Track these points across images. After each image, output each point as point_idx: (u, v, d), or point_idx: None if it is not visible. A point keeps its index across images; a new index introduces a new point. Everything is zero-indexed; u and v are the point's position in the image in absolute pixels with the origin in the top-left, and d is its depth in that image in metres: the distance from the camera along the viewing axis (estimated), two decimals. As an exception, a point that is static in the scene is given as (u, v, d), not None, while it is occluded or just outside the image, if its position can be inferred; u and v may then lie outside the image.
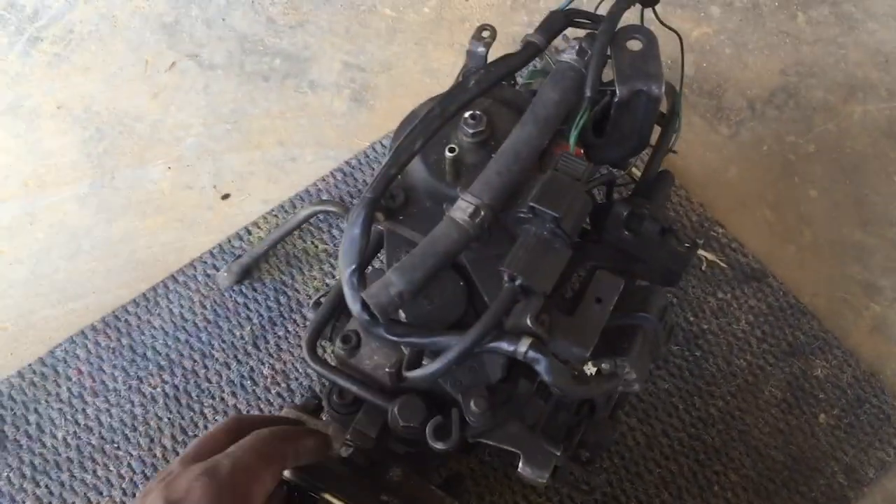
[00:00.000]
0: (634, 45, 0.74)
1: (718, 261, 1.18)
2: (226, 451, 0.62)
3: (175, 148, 1.20)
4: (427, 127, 0.68)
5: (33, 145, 1.19)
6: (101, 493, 0.98)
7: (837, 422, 1.08)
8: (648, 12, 0.83)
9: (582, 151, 0.72)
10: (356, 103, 1.26)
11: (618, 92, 0.72)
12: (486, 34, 0.78)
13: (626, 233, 0.77)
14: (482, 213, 0.64)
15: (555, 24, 0.76)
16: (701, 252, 1.17)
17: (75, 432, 1.01)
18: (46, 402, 1.03)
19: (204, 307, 1.08)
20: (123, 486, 0.98)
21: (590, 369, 0.67)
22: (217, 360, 1.05)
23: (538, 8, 1.36)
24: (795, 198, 1.25)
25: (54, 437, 1.01)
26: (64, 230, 1.13)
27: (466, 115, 0.70)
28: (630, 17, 0.80)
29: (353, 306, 0.63)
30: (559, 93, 0.71)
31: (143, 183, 1.17)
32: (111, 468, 0.99)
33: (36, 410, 1.02)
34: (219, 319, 1.08)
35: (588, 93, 0.71)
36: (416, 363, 0.70)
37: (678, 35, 0.86)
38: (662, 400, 1.07)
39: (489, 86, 0.71)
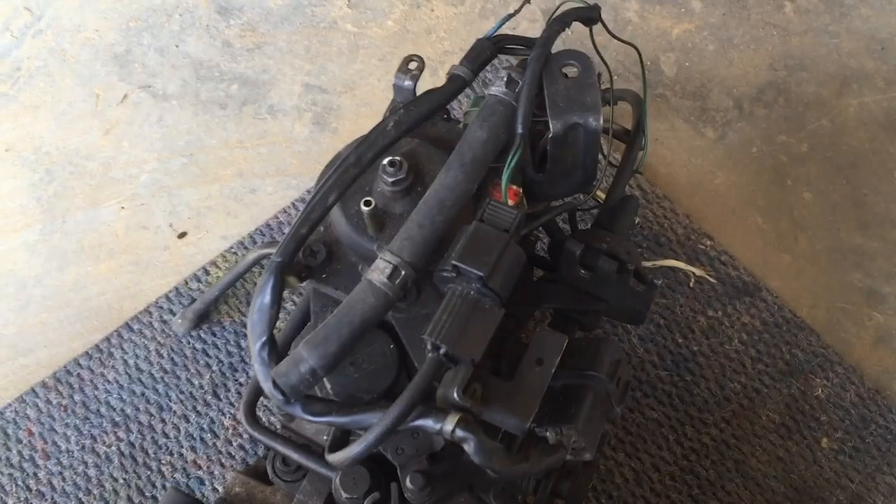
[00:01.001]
0: (570, 71, 0.66)
1: (707, 276, 1.10)
2: None
3: (128, 186, 1.14)
4: (341, 178, 0.61)
5: (-20, 192, 1.14)
6: None
7: (841, 446, 0.99)
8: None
9: (520, 191, 0.64)
10: (318, 127, 1.20)
11: (551, 127, 0.64)
12: (413, 66, 0.71)
13: (582, 271, 0.70)
14: (402, 272, 0.57)
15: (482, 52, 0.69)
16: (688, 267, 1.10)
17: (27, 499, 0.95)
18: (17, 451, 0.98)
19: (161, 356, 1.02)
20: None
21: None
22: (175, 412, 0.99)
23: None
24: (789, 202, 1.17)
25: None
26: (13, 281, 1.08)
27: (385, 161, 0.63)
28: (575, 37, 0.74)
29: (265, 384, 0.56)
30: (487, 130, 0.64)
31: (95, 225, 1.11)
32: None
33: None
34: (176, 368, 1.01)
35: (519, 129, 0.64)
36: (342, 441, 0.63)
37: (636, 49, 0.79)
38: (651, 431, 1.00)
39: (410, 127, 0.64)
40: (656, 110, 1.25)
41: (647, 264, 1.09)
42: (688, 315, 1.07)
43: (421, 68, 0.71)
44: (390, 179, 0.63)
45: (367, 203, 0.61)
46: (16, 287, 1.07)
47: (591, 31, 0.74)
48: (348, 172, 0.61)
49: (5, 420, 0.99)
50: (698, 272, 1.10)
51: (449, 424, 0.55)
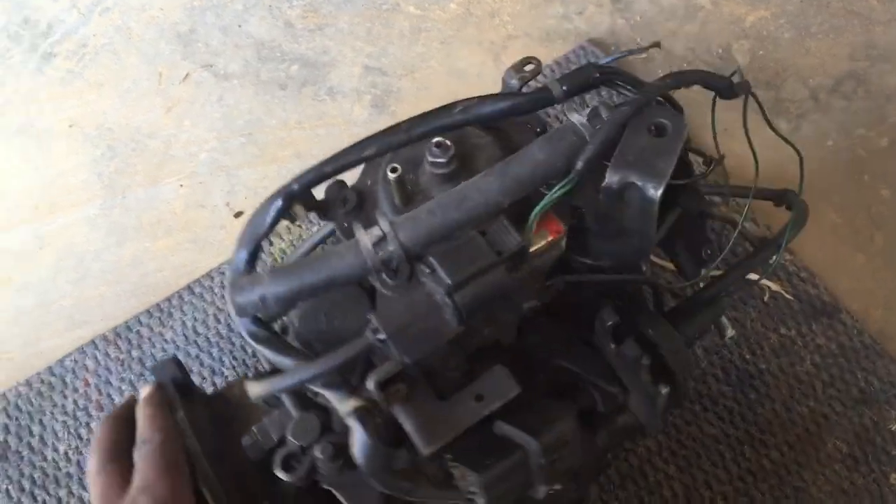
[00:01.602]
0: (659, 129, 0.60)
1: (784, 292, 1.04)
2: (136, 486, 0.62)
3: (188, 164, 1.14)
4: (385, 138, 0.59)
5: (45, 167, 1.15)
6: None
7: None
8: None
9: (563, 229, 0.60)
10: (377, 110, 1.18)
11: (607, 176, 0.58)
12: (529, 67, 0.66)
13: (612, 345, 0.65)
14: (390, 248, 0.54)
15: (584, 78, 0.64)
16: (764, 280, 1.04)
17: (77, 447, 0.96)
18: (52, 413, 0.98)
19: (218, 321, 1.03)
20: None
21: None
22: (226, 377, 0.99)
23: (574, -2, 1.26)
24: (865, 199, 1.11)
25: (56, 450, 0.97)
26: (73, 254, 1.09)
27: (433, 140, 0.61)
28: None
29: (227, 290, 0.56)
30: (547, 153, 0.59)
31: (154, 202, 1.12)
32: None
33: (40, 422, 0.98)
34: (232, 335, 1.01)
35: (579, 164, 0.58)
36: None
37: (798, 153, 0.77)
38: (707, 447, 0.95)
39: (477, 118, 0.61)
40: (728, 101, 1.19)
41: (719, 272, 1.04)
42: (759, 331, 1.01)
43: (536, 72, 0.67)
44: (431, 159, 0.61)
45: (394, 170, 0.59)
46: (75, 260, 1.08)
47: (714, 101, 0.70)
48: (395, 135, 0.59)
49: (64, 368, 1.01)
50: (774, 287, 1.04)
51: (346, 406, 0.53)
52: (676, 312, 0.71)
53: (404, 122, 0.61)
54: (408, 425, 0.55)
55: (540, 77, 0.73)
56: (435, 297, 0.55)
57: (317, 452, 0.59)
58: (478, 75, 1.21)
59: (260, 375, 0.58)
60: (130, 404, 0.69)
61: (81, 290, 1.07)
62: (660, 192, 0.56)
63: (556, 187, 0.58)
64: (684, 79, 0.63)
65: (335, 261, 0.55)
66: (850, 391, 0.98)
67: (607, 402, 0.67)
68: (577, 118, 0.60)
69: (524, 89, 0.67)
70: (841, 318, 1.02)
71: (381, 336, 0.54)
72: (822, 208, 1.11)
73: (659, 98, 0.62)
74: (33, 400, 1.00)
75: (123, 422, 0.67)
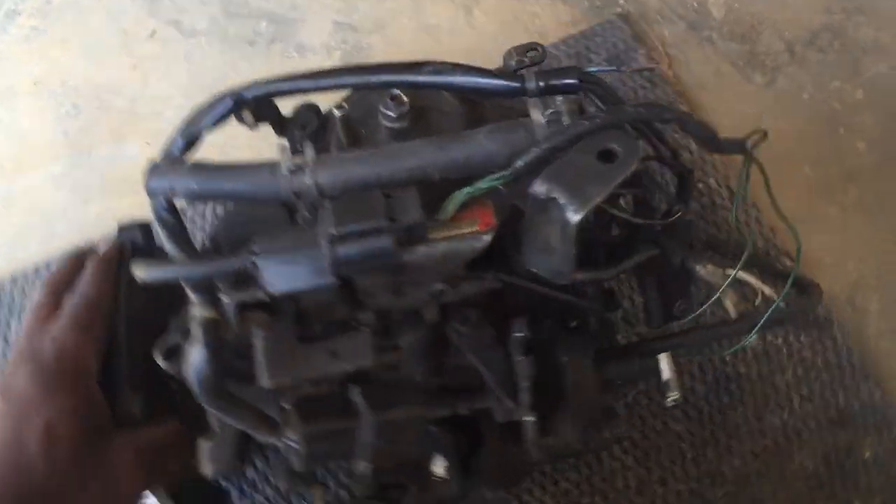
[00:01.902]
0: (606, 155, 0.55)
1: (776, 298, 1.02)
2: (50, 330, 0.64)
3: (154, 122, 1.13)
4: (345, 75, 0.57)
5: (9, 125, 1.13)
6: None
7: None
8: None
9: (494, 222, 0.57)
10: (347, 66, 1.17)
11: (534, 184, 0.54)
12: (531, 54, 0.62)
13: (519, 357, 0.63)
14: (306, 181, 0.53)
15: (565, 82, 0.59)
16: (759, 284, 1.01)
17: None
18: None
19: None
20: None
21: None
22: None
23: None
24: (840, 151, 1.09)
25: None
26: (39, 213, 1.08)
27: (390, 93, 0.60)
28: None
29: (146, 168, 0.57)
30: (492, 142, 0.56)
31: (119, 161, 1.10)
32: None
33: (19, 316, 1.00)
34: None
35: (518, 164, 0.55)
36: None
37: (791, 229, 0.68)
38: (669, 443, 0.92)
39: (441, 84, 0.58)
40: (702, 55, 1.18)
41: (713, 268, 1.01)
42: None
43: (538, 59, 0.63)
44: (383, 111, 0.59)
45: (340, 107, 0.59)
46: (41, 220, 1.07)
47: (746, 169, 0.64)
48: (357, 75, 0.57)
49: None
50: (768, 291, 1.01)
51: (197, 312, 0.54)
52: (612, 351, 0.69)
53: (373, 64, 0.59)
54: (258, 354, 0.55)
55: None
56: (320, 242, 0.54)
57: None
58: (450, 31, 1.19)
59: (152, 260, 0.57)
60: (90, 252, 0.70)
61: (48, 250, 1.05)
62: (578, 217, 0.52)
63: (486, 179, 0.55)
64: (663, 115, 0.57)
65: (251, 175, 0.54)
66: (828, 410, 0.95)
67: (501, 413, 0.65)
68: (537, 115, 0.57)
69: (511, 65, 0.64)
70: (832, 334, 0.98)
71: (254, 259, 0.53)
72: (796, 162, 1.10)
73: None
74: (14, 296, 1.01)
75: (78, 266, 0.69)
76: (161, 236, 0.56)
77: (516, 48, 0.66)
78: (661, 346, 0.68)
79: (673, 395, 0.69)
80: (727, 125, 1.13)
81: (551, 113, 0.56)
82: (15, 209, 1.08)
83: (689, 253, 0.67)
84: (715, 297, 0.68)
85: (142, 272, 0.54)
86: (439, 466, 0.64)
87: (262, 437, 0.59)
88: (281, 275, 0.53)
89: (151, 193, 0.56)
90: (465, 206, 0.56)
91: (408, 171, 0.55)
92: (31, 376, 0.62)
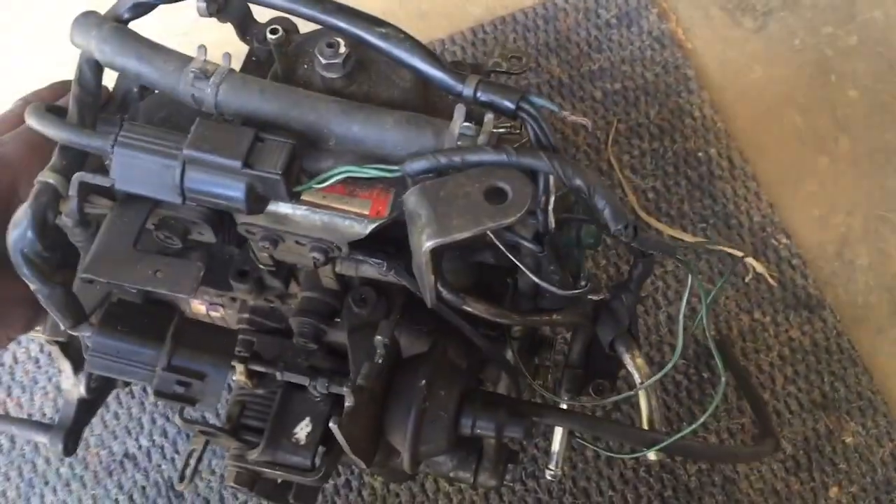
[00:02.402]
0: (495, 193, 0.49)
1: (769, 275, 0.95)
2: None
3: None
4: (301, 3, 0.54)
5: None
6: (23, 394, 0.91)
7: (851, 501, 0.86)
8: None
9: (384, 211, 0.54)
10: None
11: (408, 191, 0.51)
12: (511, 63, 0.64)
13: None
14: (205, 90, 0.52)
15: (503, 97, 0.52)
16: (751, 260, 0.95)
17: None
18: None
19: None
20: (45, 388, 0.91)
21: None
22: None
23: None
24: (831, 100, 1.02)
25: None
26: None
27: (328, 39, 0.55)
28: None
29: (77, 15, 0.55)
30: (399, 133, 0.52)
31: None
32: (29, 373, 0.91)
33: None
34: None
35: (406, 167, 0.51)
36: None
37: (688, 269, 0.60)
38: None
39: (387, 52, 0.54)
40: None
41: (707, 245, 0.97)
42: (731, 309, 0.94)
43: (517, 70, 0.63)
44: (318, 56, 0.55)
45: (274, 31, 0.56)
46: None
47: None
48: (309, 6, 0.54)
49: None
50: (759, 268, 0.95)
51: (44, 173, 0.53)
52: (485, 395, 0.65)
53: (334, 2, 0.55)
54: (91, 244, 0.54)
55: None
56: (181, 156, 0.50)
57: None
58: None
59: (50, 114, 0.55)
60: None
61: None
62: (429, 243, 0.47)
63: (373, 166, 0.52)
64: (574, 180, 0.50)
65: (159, 63, 0.52)
66: (812, 393, 0.90)
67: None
68: (459, 121, 0.52)
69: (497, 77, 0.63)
70: (822, 315, 0.93)
71: (112, 145, 0.51)
72: (785, 110, 1.04)
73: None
74: None
75: (60, 94, 0.64)
76: (71, 91, 0.55)
77: (504, 51, 0.64)
78: (545, 417, 0.63)
79: (551, 472, 0.66)
80: (715, 71, 1.07)
81: (468, 126, 0.51)
82: None
83: (620, 336, 0.61)
84: (630, 394, 0.63)
85: (31, 119, 0.53)
86: (302, 430, 0.62)
87: (62, 321, 0.57)
88: (132, 172, 0.51)
89: (74, 44, 0.55)
90: (368, 186, 0.54)
91: (302, 123, 0.52)
92: None
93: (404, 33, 0.55)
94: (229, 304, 0.68)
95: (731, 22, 1.08)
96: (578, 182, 0.49)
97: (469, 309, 0.56)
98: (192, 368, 0.57)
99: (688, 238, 0.97)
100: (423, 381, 0.59)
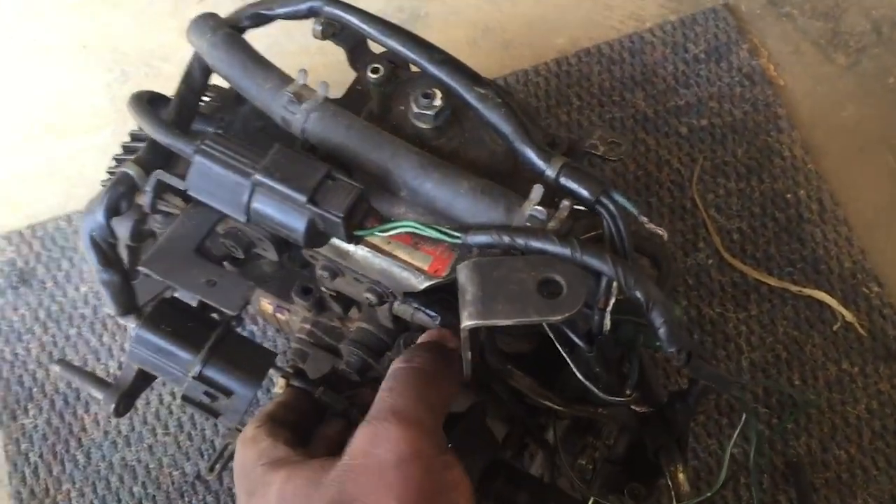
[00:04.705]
0: (549, 285, 0.47)
1: (858, 325, 0.91)
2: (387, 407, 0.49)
3: (201, 92, 1.09)
4: (406, 43, 0.55)
5: (57, 89, 1.10)
6: (98, 359, 0.93)
7: None
8: None
9: (440, 271, 0.53)
10: (402, 37, 1.11)
11: (461, 263, 0.49)
12: (610, 147, 0.62)
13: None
14: (295, 115, 0.54)
15: (584, 185, 0.51)
16: (840, 307, 0.91)
17: (97, 293, 0.95)
18: (82, 255, 0.96)
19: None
20: (122, 360, 0.93)
21: None
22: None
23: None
24: (928, 141, 1.00)
25: (77, 290, 0.97)
26: (83, 181, 1.05)
27: (426, 90, 0.55)
28: None
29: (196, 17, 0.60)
30: (472, 200, 0.52)
31: (164, 131, 1.07)
32: (117, 339, 0.94)
33: (70, 259, 0.98)
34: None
35: (470, 237, 0.51)
36: None
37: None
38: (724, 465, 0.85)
39: (479, 110, 0.54)
40: (781, 30, 1.09)
41: (793, 289, 0.93)
42: (818, 358, 0.90)
43: (610, 156, 0.63)
44: (413, 104, 0.56)
45: (375, 70, 0.57)
46: (85, 188, 1.05)
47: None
48: (418, 47, 0.55)
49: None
50: (849, 316, 0.91)
51: (127, 164, 0.57)
52: (511, 471, 0.61)
53: (440, 50, 0.55)
54: (158, 238, 0.57)
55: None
56: (252, 178, 0.51)
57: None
58: (512, 3, 1.12)
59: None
60: None
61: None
62: (467, 323, 0.46)
63: (438, 227, 0.51)
64: (644, 288, 0.47)
65: (260, 79, 0.55)
66: None
67: None
68: (533, 202, 0.51)
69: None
70: None
71: (195, 151, 0.52)
72: (879, 151, 0.99)
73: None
74: (69, 237, 0.99)
75: None
76: (177, 87, 0.58)
77: (603, 134, 0.62)
78: None
79: None
80: (806, 109, 1.04)
81: (541, 210, 0.50)
82: (58, 176, 1.06)
83: (665, 446, 0.59)
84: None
85: (131, 106, 0.57)
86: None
87: (111, 308, 0.60)
88: (206, 181, 0.52)
89: (190, 42, 0.58)
90: (433, 243, 0.53)
91: (379, 168, 0.52)
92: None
93: (502, 98, 0.54)
94: (295, 312, 0.69)
95: (822, 58, 1.04)
96: (638, 294, 0.47)
97: (513, 383, 0.54)
98: (220, 383, 0.57)
99: (773, 282, 0.94)
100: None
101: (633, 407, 0.57)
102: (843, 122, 1.01)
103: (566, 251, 0.47)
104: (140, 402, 0.90)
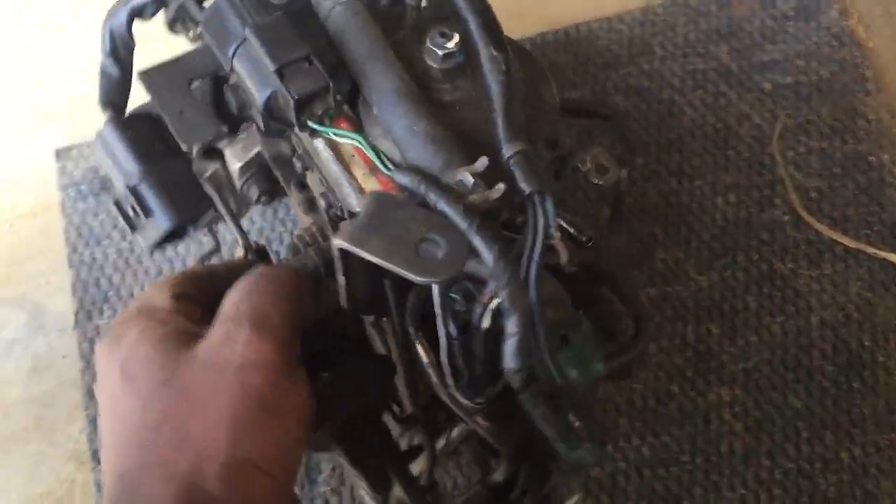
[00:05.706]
0: (430, 242, 0.44)
1: None
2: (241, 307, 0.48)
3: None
4: None
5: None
6: (173, 268, 0.94)
7: None
8: None
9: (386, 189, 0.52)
10: None
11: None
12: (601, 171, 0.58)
13: None
14: (333, 4, 0.53)
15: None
16: None
17: None
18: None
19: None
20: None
21: None
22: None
23: None
24: None
25: None
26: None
27: (441, 29, 0.53)
28: None
29: None
30: (422, 144, 0.50)
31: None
32: (191, 250, 0.94)
33: None
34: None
35: (395, 175, 0.49)
36: None
37: None
38: (786, 418, 0.84)
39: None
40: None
41: (869, 251, 0.92)
42: (890, 321, 0.88)
43: (603, 181, 0.58)
44: (428, 43, 0.53)
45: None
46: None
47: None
48: None
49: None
50: None
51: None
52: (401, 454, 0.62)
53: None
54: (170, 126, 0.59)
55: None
56: (245, 32, 0.51)
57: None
58: None
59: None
60: None
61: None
62: (336, 242, 0.45)
63: (376, 150, 0.51)
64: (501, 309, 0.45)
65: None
66: None
67: None
68: (474, 169, 0.47)
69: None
70: None
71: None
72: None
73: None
74: None
75: None
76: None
77: (599, 154, 0.56)
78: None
79: None
80: (893, 72, 1.01)
81: (476, 183, 0.47)
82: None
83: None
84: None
85: None
86: None
87: (99, 95, 0.62)
88: (215, 21, 0.53)
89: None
90: (386, 175, 0.51)
91: (365, 79, 0.52)
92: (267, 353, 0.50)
93: (510, 70, 0.52)
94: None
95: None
96: (504, 295, 0.43)
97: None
98: (146, 203, 0.59)
99: (849, 243, 0.93)
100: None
101: (478, 419, 0.53)
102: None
103: (462, 223, 0.44)
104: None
